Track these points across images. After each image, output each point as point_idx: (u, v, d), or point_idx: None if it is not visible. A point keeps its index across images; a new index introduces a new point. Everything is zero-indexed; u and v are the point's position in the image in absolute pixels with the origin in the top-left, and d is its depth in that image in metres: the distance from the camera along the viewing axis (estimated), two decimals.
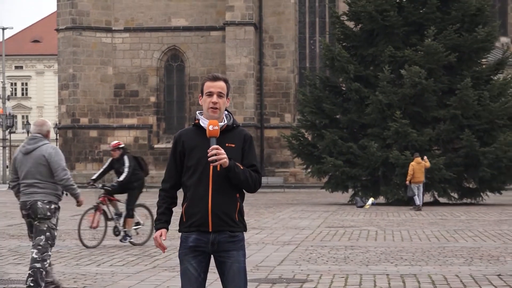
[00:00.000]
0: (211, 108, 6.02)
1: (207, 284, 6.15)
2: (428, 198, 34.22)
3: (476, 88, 34.24)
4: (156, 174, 54.76)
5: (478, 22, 35.54)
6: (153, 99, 57.75)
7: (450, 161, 33.62)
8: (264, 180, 49.24)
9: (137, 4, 57.35)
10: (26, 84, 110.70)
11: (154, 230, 6.21)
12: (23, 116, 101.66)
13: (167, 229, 6.17)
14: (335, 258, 14.73)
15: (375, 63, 35.28)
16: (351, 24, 37.10)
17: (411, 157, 31.75)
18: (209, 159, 5.91)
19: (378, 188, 34.38)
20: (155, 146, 57.47)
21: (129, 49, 57.73)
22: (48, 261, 10.92)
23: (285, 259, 14.38)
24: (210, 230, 5.99)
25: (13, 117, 76.72)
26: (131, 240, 17.09)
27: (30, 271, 10.72)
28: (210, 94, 6.04)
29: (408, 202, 31.78)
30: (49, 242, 10.94)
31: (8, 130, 73.10)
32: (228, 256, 6.05)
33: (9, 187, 10.62)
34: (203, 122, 6.04)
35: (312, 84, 37.78)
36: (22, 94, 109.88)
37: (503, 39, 52.10)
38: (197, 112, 6.17)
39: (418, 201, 30.60)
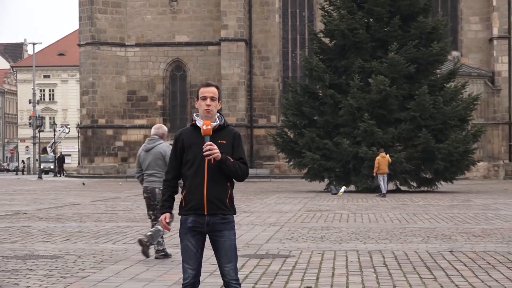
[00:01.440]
0: (205, 109, 6.02)
1: (203, 259, 6.17)
2: (391, 186, 34.26)
3: (432, 94, 34.28)
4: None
5: (433, 38, 35.60)
6: (159, 103, 57.67)
7: (410, 156, 33.72)
8: (253, 171, 49.32)
9: (146, 23, 57.27)
10: (53, 90, 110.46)
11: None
12: (50, 118, 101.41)
13: (171, 213, 6.18)
14: (313, 237, 14.72)
15: (346, 73, 35.31)
16: (326, 40, 37.13)
17: (377, 152, 31.82)
18: (204, 153, 5.92)
19: (349, 178, 34.45)
20: None
21: (139, 61, 57.62)
22: (161, 227, 10.80)
23: (271, 238, 14.36)
24: (206, 213, 5.99)
25: (42, 118, 76.53)
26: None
27: (149, 232, 11.67)
28: (204, 98, 6.03)
29: (375, 190, 31.88)
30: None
31: (38, 129, 73.11)
32: (221, 235, 6.05)
33: (136, 177, 10.98)
34: (199, 123, 6.04)
35: (293, 90, 37.75)
36: (49, 99, 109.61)
37: (454, 53, 52.16)
38: (194, 114, 6.17)
39: (383, 189, 30.69)
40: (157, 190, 11.79)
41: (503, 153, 55.52)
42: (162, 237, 11.75)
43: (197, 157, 5.99)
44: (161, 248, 11.75)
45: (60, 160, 71.12)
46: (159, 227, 11.49)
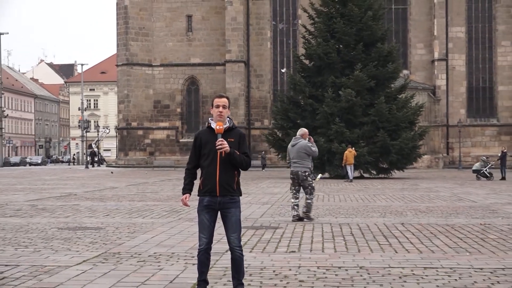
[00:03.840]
0: (218, 114, 6.01)
1: (215, 230, 6.17)
2: (356, 174, 34.31)
3: (387, 103, 34.33)
4: (181, 158, 54.80)
5: (389, 60, 35.63)
6: (178, 110, 57.63)
7: (371, 150, 33.75)
8: None
9: (169, 49, 57.22)
10: (97, 100, 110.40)
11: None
12: (94, 121, 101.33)
13: (190, 194, 6.16)
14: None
15: (322, 87, 35.33)
16: (307, 62, 37.13)
17: (346, 148, 31.86)
18: (216, 148, 5.90)
19: (324, 167, 34.46)
20: (180, 140, 57.36)
21: (163, 78, 57.58)
22: (312, 200, 13.18)
23: (264, 214, 14.40)
24: (218, 195, 5.97)
25: (88, 121, 76.56)
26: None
27: (305, 205, 13.07)
28: (218, 106, 6.02)
29: (344, 177, 31.91)
30: (311, 190, 13.11)
31: (85, 130, 73.13)
32: (229, 212, 6.04)
33: (287, 164, 12.21)
34: (213, 125, 6.03)
35: (281, 100, 37.77)
36: (94, 107, 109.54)
37: (405, 71, 52.17)
38: (209, 118, 6.16)
39: (350, 176, 30.72)
40: (300, 172, 13.09)
41: (442, 148, 55.64)
42: (296, 208, 12.97)
43: (211, 151, 5.97)
44: (296, 214, 12.93)
45: (92, 154, 70.36)
46: (309, 201, 13.06)
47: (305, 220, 12.89)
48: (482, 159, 33.98)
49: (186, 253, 8.75)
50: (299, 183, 13.14)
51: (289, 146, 13.47)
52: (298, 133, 13.48)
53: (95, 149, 72.76)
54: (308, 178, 13.13)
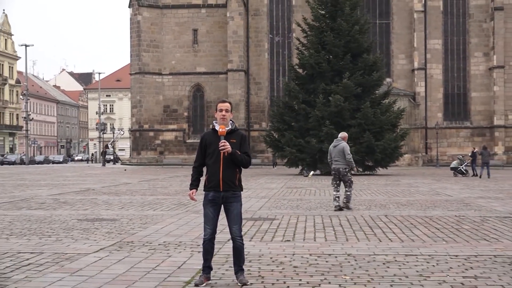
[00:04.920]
0: (221, 118, 5.99)
1: (218, 222, 6.17)
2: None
3: (372, 108, 34.31)
4: (188, 157, 54.80)
5: (374, 69, 35.59)
6: (185, 114, 57.56)
7: (357, 150, 33.65)
8: None
9: (177, 59, 57.15)
10: (112, 105, 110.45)
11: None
12: (110, 124, 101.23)
13: (197, 189, 6.16)
14: (291, 206, 14.72)
15: (314, 93, 35.29)
16: (300, 70, 37.13)
17: None
18: (219, 148, 5.90)
19: (316, 165, 34.46)
20: (187, 141, 57.29)
21: (172, 85, 57.50)
22: (351, 192, 13.69)
23: (262, 207, 14.37)
24: (221, 190, 5.97)
25: (105, 124, 76.85)
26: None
27: (344, 198, 13.62)
28: (221, 110, 6.00)
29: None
30: (350, 184, 13.67)
31: (102, 132, 73.14)
32: (231, 205, 6.04)
33: (329, 162, 12.63)
34: (217, 127, 6.01)
35: (277, 105, 37.74)
36: (110, 111, 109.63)
37: (388, 79, 52.13)
38: (213, 121, 6.14)
39: None
40: (340, 169, 13.63)
41: (421, 148, 55.66)
42: (338, 199, 13.40)
43: (215, 151, 5.96)
44: (338, 204, 13.33)
45: (104, 153, 69.36)
46: (349, 193, 13.58)
47: (344, 209, 13.32)
48: (458, 157, 34.13)
49: (192, 242, 8.74)
50: (340, 178, 13.69)
51: (331, 147, 13.97)
52: (339, 136, 14.04)
53: (106, 149, 72.32)
54: (348, 173, 13.72)
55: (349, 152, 13.65)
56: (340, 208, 13.27)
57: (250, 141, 55.86)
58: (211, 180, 6.01)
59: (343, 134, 14.18)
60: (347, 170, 13.69)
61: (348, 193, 13.60)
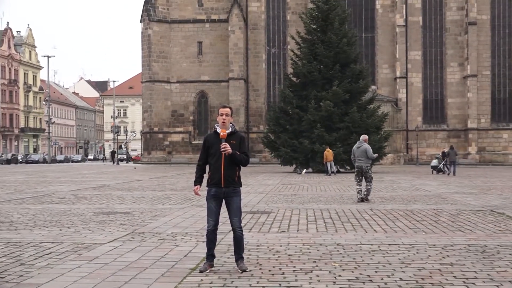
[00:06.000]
0: (222, 122, 6.00)
1: (220, 214, 6.16)
2: (334, 169, 34.30)
3: (359, 112, 34.27)
4: (193, 156, 54.73)
5: (360, 78, 35.58)
6: (191, 118, 57.49)
7: (345, 150, 33.46)
8: None
9: (183, 68, 57.10)
10: (125, 110, 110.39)
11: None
12: (123, 127, 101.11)
13: (200, 185, 6.17)
14: (286, 200, 14.69)
15: (307, 99, 35.24)
16: (294, 79, 37.11)
17: (325, 148, 31.84)
18: (221, 150, 5.90)
19: (308, 164, 34.42)
20: (192, 142, 57.23)
21: (179, 92, 57.45)
22: (371, 186, 14.12)
23: (260, 201, 14.35)
24: (223, 186, 5.97)
25: (118, 127, 76.82)
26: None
27: (365, 191, 13.95)
28: (222, 114, 6.00)
29: (324, 171, 31.88)
30: (371, 179, 14.16)
31: (116, 134, 73.09)
32: (232, 200, 6.04)
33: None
34: (218, 130, 6.02)
35: (274, 110, 37.68)
36: (123, 115, 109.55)
37: (373, 87, 51.84)
38: (215, 125, 6.14)
39: (329, 171, 30.68)
40: (363, 166, 14.08)
41: (403, 148, 55.67)
42: (360, 192, 13.81)
43: (217, 152, 5.96)
44: (360, 197, 13.75)
45: (113, 153, 67.92)
46: (369, 187, 13.97)
47: (365, 201, 13.72)
48: (436, 156, 34.19)
49: (197, 233, 8.73)
50: (362, 174, 14.16)
51: (354, 147, 14.37)
52: (361, 138, 14.41)
53: (115, 149, 71.69)
54: (369, 171, 14.18)
55: (372, 152, 14.22)
56: (361, 200, 13.74)
57: (249, 142, 55.85)
58: (213, 177, 6.00)
59: (365, 136, 14.53)
60: (368, 167, 14.19)
61: (369, 187, 14.09)
